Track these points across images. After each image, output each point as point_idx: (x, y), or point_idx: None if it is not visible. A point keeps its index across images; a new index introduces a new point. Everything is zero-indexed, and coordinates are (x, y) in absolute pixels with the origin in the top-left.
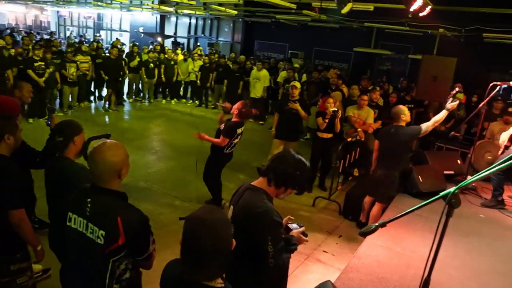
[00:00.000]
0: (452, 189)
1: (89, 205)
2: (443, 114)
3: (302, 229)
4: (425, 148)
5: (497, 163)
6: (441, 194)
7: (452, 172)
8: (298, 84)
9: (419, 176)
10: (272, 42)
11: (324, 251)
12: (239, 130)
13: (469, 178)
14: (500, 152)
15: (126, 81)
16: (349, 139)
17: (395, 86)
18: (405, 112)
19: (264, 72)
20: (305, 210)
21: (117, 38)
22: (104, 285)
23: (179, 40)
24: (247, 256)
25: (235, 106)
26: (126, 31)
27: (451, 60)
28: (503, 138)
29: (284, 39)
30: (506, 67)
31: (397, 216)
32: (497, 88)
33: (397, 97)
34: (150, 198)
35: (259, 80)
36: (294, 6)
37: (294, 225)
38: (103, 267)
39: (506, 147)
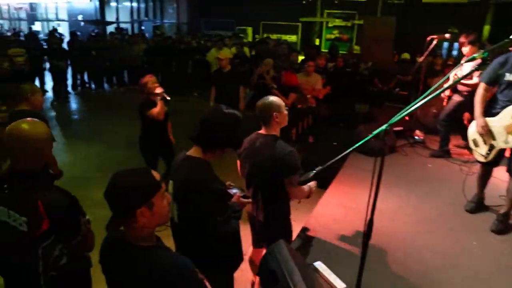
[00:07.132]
0: (383, 126)
1: (6, 190)
2: None
3: (242, 193)
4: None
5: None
6: (374, 132)
7: (401, 128)
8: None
9: (369, 135)
10: (219, 19)
11: None
12: None
13: (397, 115)
14: (445, 103)
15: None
16: (299, 106)
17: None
18: (279, 107)
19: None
20: None
21: (54, 28)
22: (38, 274)
23: (122, 25)
24: (196, 228)
25: None
26: (64, 20)
27: (391, 19)
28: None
29: (230, 15)
30: (445, 25)
31: (329, 162)
32: (434, 42)
33: (343, 61)
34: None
35: None
36: None
37: (234, 190)
38: (33, 254)
39: (449, 98)
